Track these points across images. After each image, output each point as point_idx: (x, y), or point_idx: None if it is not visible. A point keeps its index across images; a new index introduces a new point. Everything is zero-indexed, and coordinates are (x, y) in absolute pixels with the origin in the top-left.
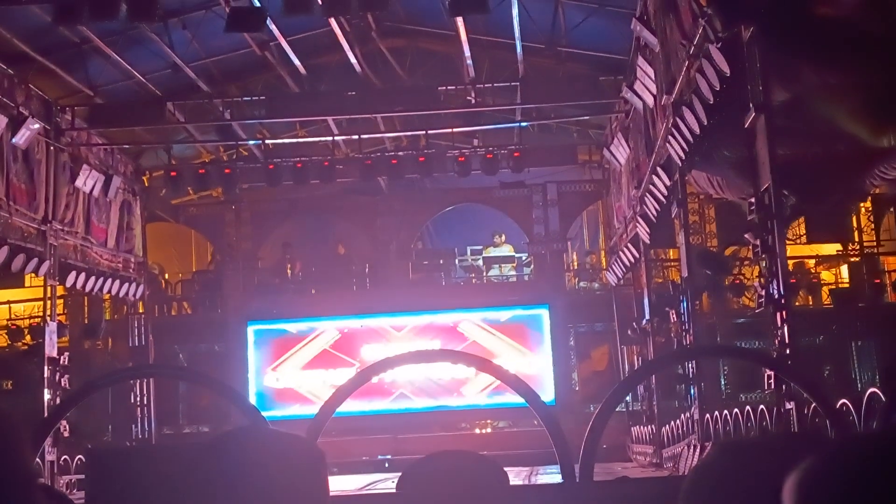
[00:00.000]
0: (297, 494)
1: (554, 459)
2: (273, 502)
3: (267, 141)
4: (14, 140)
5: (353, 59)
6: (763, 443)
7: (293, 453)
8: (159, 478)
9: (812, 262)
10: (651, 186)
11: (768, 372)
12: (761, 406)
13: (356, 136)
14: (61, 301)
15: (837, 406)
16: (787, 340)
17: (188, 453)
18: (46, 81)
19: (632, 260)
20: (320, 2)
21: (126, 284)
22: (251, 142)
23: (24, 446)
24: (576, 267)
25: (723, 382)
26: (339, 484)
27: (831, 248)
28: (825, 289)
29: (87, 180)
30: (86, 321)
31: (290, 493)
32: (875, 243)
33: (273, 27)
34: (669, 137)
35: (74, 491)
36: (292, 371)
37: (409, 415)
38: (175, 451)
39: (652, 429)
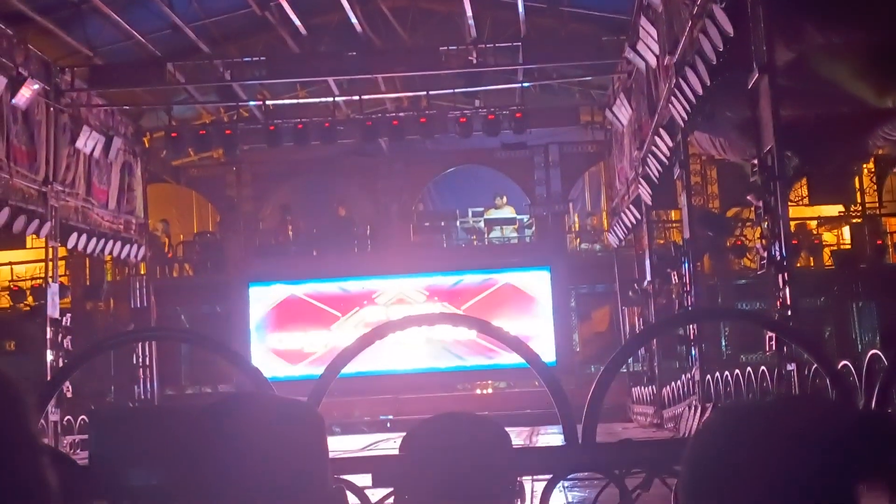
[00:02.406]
0: (295, 458)
1: (554, 419)
2: (272, 465)
3: (267, 102)
4: (14, 101)
5: (353, 19)
6: (764, 405)
7: (292, 417)
8: (161, 439)
9: (814, 223)
10: (653, 147)
11: (769, 333)
12: (762, 367)
13: (357, 97)
14: (63, 262)
15: (838, 367)
16: (788, 302)
17: (189, 415)
18: (45, 42)
19: (633, 221)
20: None
21: (127, 246)
22: (251, 103)
23: (28, 411)
24: (577, 228)
25: (724, 343)
26: (342, 444)
27: (833, 210)
28: (827, 250)
29: (88, 141)
30: (87, 282)
31: (289, 456)
32: (877, 204)
33: None
34: (672, 98)
35: (78, 451)
36: (301, 334)
37: (410, 375)
38: (177, 412)
39: (653, 389)
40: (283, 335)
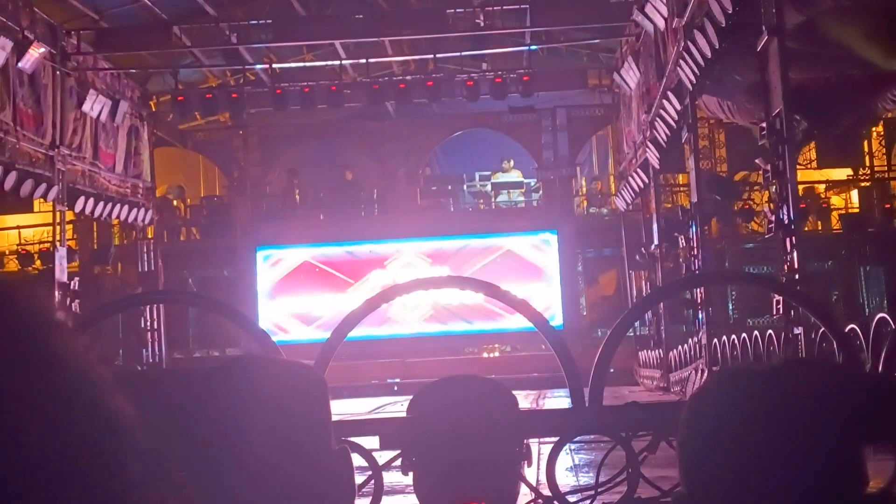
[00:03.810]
0: (297, 419)
1: (560, 383)
2: (273, 427)
3: (274, 65)
4: (20, 64)
5: None
6: (761, 369)
7: (293, 379)
8: (167, 401)
9: (822, 187)
10: (661, 111)
11: (777, 297)
12: (769, 331)
13: (363, 61)
14: (70, 226)
15: (846, 331)
16: (795, 266)
17: (193, 378)
18: (51, 5)
19: (641, 185)
20: None
21: (135, 210)
22: (258, 66)
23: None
24: (584, 192)
25: (731, 307)
26: (349, 407)
27: (842, 173)
28: (835, 214)
29: (94, 105)
30: (95, 246)
31: (291, 417)
32: (886, 168)
33: None
34: (680, 61)
35: None
36: (296, 296)
37: (417, 339)
38: (182, 374)
39: (659, 353)
40: (291, 298)
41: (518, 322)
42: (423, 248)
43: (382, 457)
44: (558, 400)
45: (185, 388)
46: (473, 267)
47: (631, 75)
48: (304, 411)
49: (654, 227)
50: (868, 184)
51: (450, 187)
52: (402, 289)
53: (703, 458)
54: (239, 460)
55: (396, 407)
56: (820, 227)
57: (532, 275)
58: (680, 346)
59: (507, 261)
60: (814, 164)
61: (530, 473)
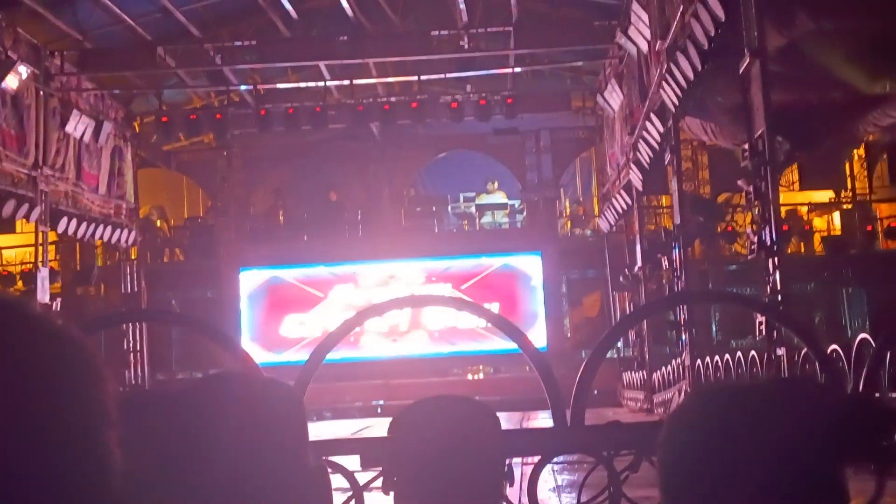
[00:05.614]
0: (273, 436)
1: (545, 405)
2: (248, 445)
3: (258, 86)
4: (3, 84)
5: (344, 3)
6: (741, 388)
7: (268, 396)
8: (145, 421)
9: (804, 208)
10: (644, 133)
11: (760, 318)
12: (752, 352)
13: (348, 82)
14: (53, 247)
15: (828, 352)
16: (778, 287)
17: (169, 397)
18: (35, 25)
19: (624, 206)
20: None
21: (118, 231)
22: (242, 87)
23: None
24: (568, 213)
25: (714, 329)
26: (333, 429)
27: (824, 196)
28: (817, 236)
29: (78, 125)
30: (78, 267)
31: (266, 435)
32: (867, 190)
33: None
34: (663, 83)
35: None
36: (292, 318)
37: (401, 361)
38: (160, 394)
39: (643, 374)
40: (274, 320)
41: (502, 344)
42: (406, 270)
43: (363, 477)
44: (542, 422)
45: (161, 407)
46: (458, 287)
47: (614, 97)
48: (279, 427)
49: (638, 248)
50: (850, 206)
51: (434, 208)
52: (381, 308)
53: (683, 477)
54: (214, 477)
55: (379, 429)
56: (802, 249)
57: (515, 296)
58: (663, 368)
59: (491, 281)
60: (796, 185)
61: (512, 493)
